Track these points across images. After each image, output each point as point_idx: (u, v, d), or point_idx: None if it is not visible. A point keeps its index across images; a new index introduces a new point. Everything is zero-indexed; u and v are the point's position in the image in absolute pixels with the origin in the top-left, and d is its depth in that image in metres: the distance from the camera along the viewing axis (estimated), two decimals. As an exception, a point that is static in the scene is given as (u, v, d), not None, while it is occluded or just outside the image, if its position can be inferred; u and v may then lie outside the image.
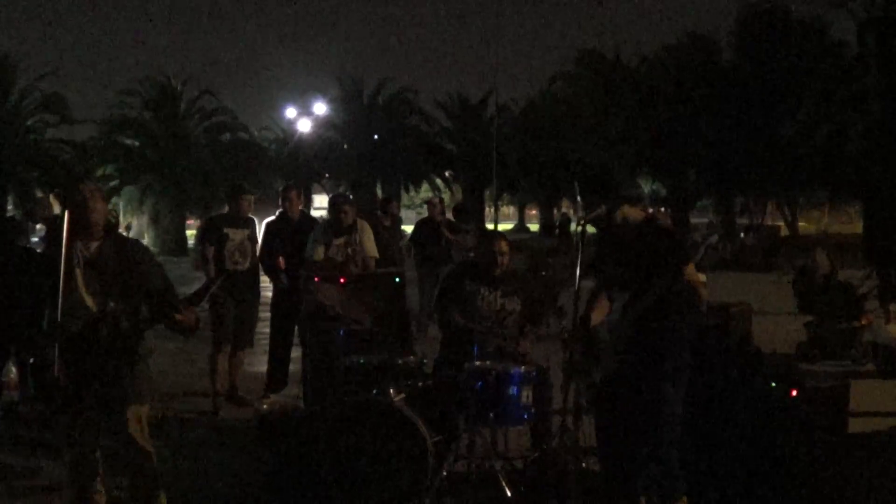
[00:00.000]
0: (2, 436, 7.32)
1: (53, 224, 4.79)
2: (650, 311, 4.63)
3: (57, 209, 11.18)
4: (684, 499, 4.76)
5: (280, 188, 9.74)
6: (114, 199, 37.17)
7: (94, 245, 4.86)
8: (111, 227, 5.05)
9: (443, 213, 13.56)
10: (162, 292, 4.83)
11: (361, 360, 6.31)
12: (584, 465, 5.86)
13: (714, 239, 6.26)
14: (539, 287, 6.89)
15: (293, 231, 8.70)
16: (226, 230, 8.45)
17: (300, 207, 9.15)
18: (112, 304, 4.71)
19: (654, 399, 4.67)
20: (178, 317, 4.66)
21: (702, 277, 4.89)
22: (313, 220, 9.30)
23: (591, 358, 4.85)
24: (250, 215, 8.76)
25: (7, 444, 7.10)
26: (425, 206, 13.42)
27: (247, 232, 8.57)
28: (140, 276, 4.83)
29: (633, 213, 4.84)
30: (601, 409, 5.10)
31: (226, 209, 8.92)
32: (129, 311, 4.73)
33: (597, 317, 4.97)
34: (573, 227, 36.30)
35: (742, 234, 28.38)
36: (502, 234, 7.13)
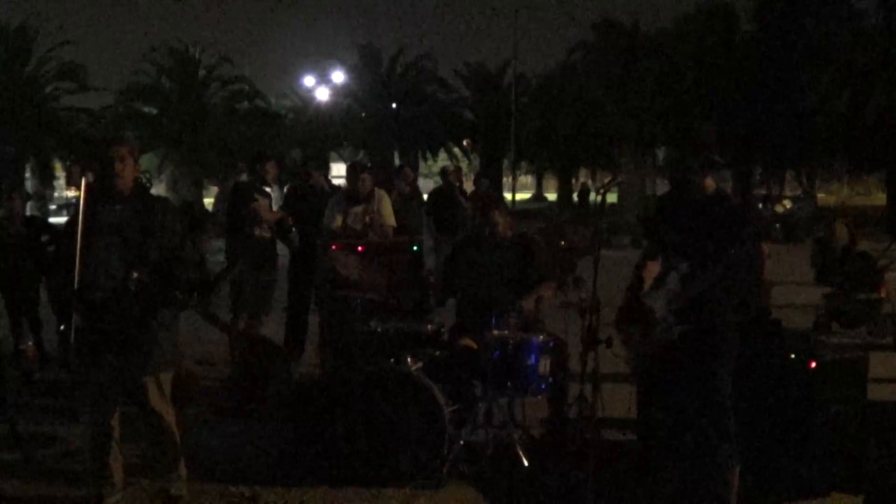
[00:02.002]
0: (20, 403, 7.36)
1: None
2: (715, 283, 4.54)
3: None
4: (737, 468, 4.73)
5: (297, 157, 9.79)
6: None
7: (119, 209, 4.82)
8: (142, 189, 4.99)
9: (460, 180, 13.51)
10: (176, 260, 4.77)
11: (379, 328, 6.31)
12: (601, 434, 5.86)
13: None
14: (555, 255, 6.85)
15: (314, 197, 8.69)
16: (255, 196, 8.46)
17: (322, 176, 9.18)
18: (136, 274, 4.68)
19: (712, 371, 4.61)
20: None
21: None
22: (336, 188, 9.30)
23: (643, 325, 4.74)
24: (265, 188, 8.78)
25: (25, 411, 7.14)
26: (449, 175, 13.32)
27: (267, 201, 8.60)
28: (161, 239, 4.80)
29: (710, 184, 4.76)
30: (651, 377, 5.04)
31: (244, 177, 8.90)
32: (151, 279, 4.71)
33: (647, 281, 4.88)
34: (593, 196, 36.28)
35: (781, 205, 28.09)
36: (496, 205, 7.11)
